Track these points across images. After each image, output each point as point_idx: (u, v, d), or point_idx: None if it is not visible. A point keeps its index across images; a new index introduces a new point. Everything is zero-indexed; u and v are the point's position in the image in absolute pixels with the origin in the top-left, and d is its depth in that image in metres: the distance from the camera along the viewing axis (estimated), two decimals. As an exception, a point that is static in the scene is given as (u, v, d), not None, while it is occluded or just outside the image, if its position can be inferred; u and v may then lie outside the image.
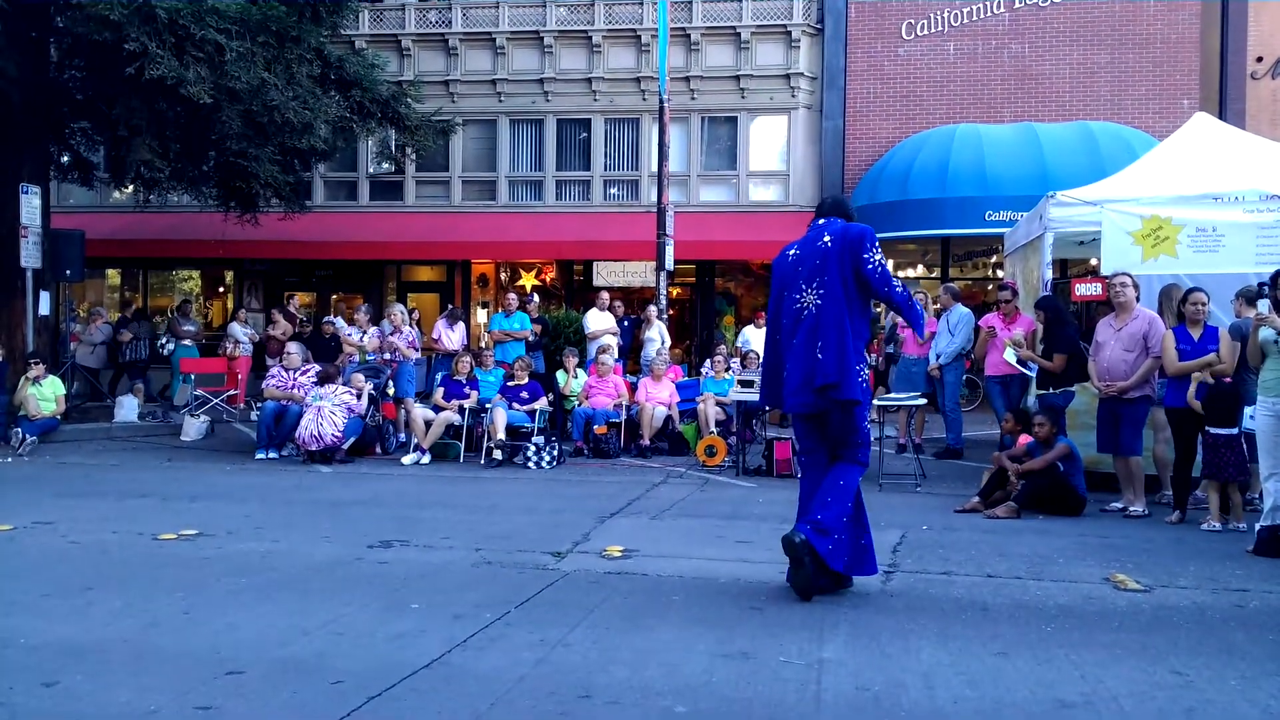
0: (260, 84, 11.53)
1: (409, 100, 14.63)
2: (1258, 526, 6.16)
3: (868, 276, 4.68)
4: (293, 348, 11.52)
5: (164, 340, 15.47)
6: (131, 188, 15.96)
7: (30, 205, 12.50)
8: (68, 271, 13.22)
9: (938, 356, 10.50)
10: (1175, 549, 6.13)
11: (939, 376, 10.51)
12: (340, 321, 13.69)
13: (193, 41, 11.05)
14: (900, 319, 10.87)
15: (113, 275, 19.90)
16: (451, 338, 12.59)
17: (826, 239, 4.75)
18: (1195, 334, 7.02)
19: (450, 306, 13.97)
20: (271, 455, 10.45)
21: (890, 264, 16.93)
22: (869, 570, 4.97)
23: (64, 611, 4.61)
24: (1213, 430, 6.70)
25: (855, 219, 5.04)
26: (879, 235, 4.98)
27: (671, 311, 15.55)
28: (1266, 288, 6.82)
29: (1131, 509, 7.32)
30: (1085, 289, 8.78)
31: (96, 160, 15.41)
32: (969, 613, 4.67)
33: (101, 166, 15.44)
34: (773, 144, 18.05)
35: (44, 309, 13.25)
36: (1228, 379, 6.79)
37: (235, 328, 15.54)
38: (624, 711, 3.39)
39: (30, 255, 12.53)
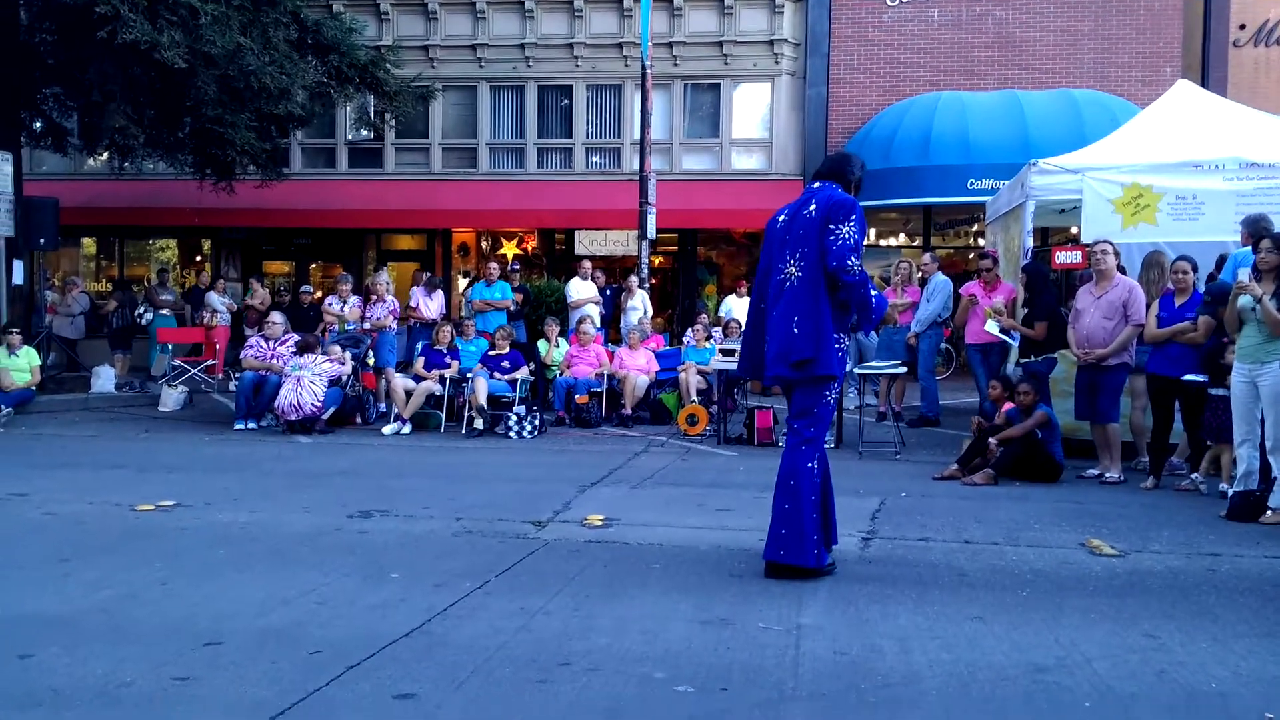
0: (236, 48, 11.34)
1: (388, 66, 14.45)
2: (1230, 492, 6.24)
3: (828, 248, 4.48)
4: (276, 317, 11.42)
5: (141, 310, 15.32)
6: (106, 155, 15.73)
7: (1, 172, 12.29)
8: (41, 240, 13.05)
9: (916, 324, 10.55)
10: (1150, 515, 6.20)
11: (916, 344, 10.54)
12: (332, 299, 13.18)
13: (166, 4, 10.84)
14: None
15: (88, 244, 19.66)
16: (430, 306, 12.51)
17: (812, 208, 4.61)
18: (1179, 302, 7.05)
19: (428, 274, 13.88)
20: (250, 426, 10.39)
21: (873, 232, 17.04)
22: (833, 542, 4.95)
23: (39, 583, 4.58)
24: (1213, 391, 6.71)
25: (856, 182, 4.80)
26: (862, 203, 4.76)
27: (653, 280, 15.50)
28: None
29: (1108, 475, 7.38)
30: (1065, 257, 8.81)
31: (70, 126, 15.14)
32: (946, 578, 4.71)
33: (75, 133, 15.18)
34: (755, 111, 17.93)
35: (18, 278, 13.09)
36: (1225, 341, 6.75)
37: (212, 297, 15.40)
38: (604, 678, 3.41)
39: (2, 223, 12.34)
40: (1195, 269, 7.13)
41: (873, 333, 11.23)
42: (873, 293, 4.67)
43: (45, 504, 6.39)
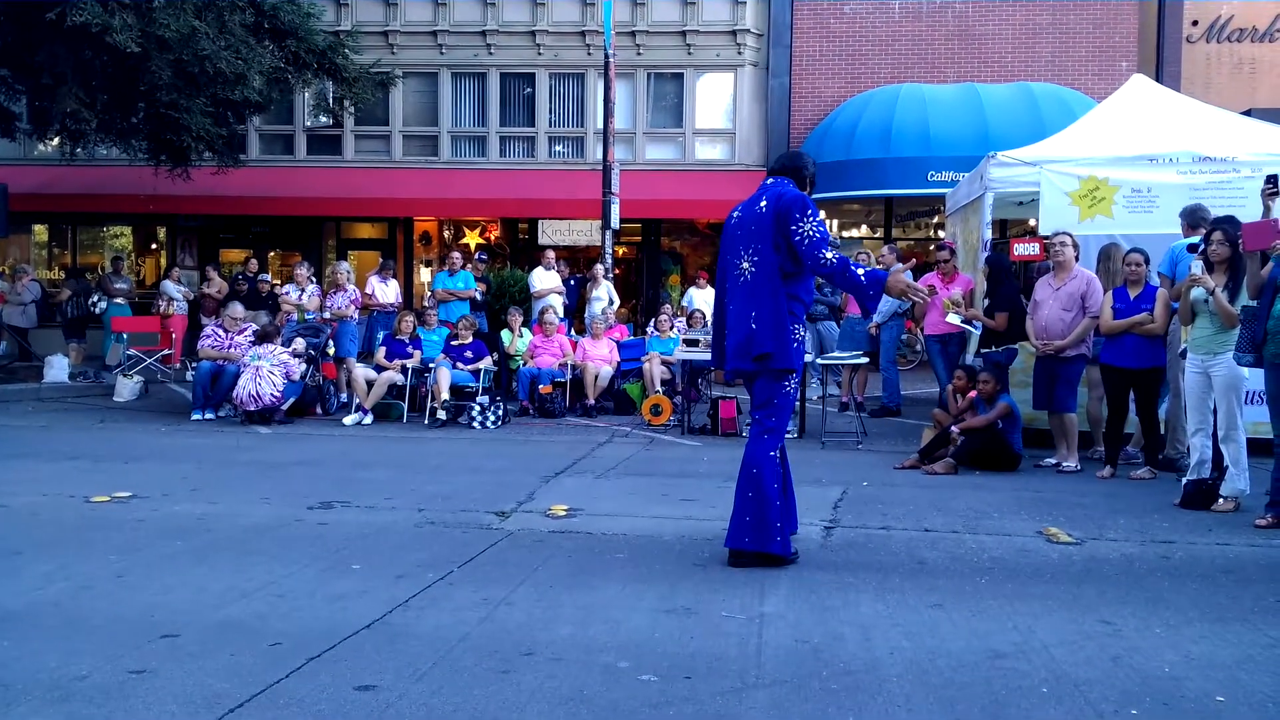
0: (190, 32, 11.13)
1: (346, 51, 14.25)
2: (1184, 481, 6.36)
3: (798, 250, 4.54)
4: (238, 310, 11.23)
5: (95, 298, 15.01)
6: (57, 140, 15.37)
7: (-53, 157, 11.99)
8: (-11, 227, 12.75)
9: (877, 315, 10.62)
10: (1106, 503, 6.30)
11: (877, 335, 10.63)
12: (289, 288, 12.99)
13: (118, -14, 10.63)
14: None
15: (39, 231, 19.22)
16: (386, 291, 12.40)
17: (763, 204, 4.69)
18: (1133, 293, 7.16)
19: (382, 260, 13.75)
20: (208, 416, 10.24)
21: (834, 224, 17.15)
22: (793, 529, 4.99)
23: (-10, 576, 4.49)
24: None
25: (810, 177, 4.86)
26: (823, 195, 4.80)
27: (617, 270, 15.48)
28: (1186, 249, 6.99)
29: (1065, 464, 7.50)
30: (1024, 249, 8.91)
31: (19, 111, 14.78)
32: (907, 566, 4.76)
33: (24, 117, 14.82)
34: (719, 101, 17.95)
35: (-34, 266, 12.77)
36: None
37: (168, 285, 15.13)
38: (567, 668, 3.40)
39: (-51, 209, 12.05)
40: (1148, 261, 7.25)
41: (833, 324, 11.33)
42: (859, 271, 4.55)
43: (-4, 496, 6.25)
